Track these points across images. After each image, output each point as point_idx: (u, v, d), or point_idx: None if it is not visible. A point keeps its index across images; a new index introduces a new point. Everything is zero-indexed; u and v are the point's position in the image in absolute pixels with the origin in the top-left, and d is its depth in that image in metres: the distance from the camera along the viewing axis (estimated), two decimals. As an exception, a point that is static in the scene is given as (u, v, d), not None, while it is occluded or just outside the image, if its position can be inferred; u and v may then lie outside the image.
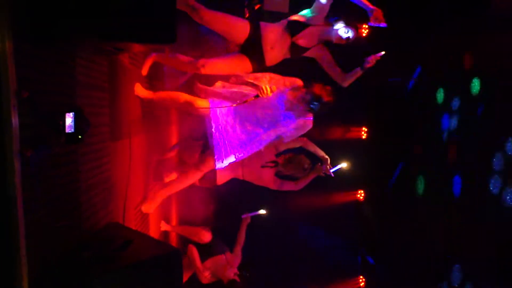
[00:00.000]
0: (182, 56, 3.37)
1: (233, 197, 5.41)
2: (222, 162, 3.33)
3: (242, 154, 3.35)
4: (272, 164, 3.97)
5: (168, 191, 3.55)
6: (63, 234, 1.84)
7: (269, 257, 5.76)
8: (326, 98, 3.19)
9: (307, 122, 3.33)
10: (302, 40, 3.26)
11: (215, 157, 3.30)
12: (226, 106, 3.27)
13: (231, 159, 3.33)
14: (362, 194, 6.29)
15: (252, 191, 4.89)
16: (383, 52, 3.18)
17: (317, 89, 3.19)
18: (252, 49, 3.25)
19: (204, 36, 3.95)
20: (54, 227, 1.72)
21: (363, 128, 6.25)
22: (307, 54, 3.36)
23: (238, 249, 4.44)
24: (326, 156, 3.87)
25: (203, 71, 3.31)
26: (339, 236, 6.04)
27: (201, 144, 3.80)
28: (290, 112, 3.28)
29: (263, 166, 3.89)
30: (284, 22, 3.26)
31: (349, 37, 3.18)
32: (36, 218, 1.60)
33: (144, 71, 3.50)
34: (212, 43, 3.98)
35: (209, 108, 3.26)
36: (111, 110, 2.72)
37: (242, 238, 4.44)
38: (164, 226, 4.32)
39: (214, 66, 3.31)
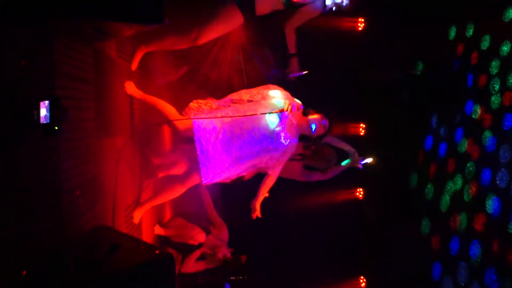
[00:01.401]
0: (172, 35, 3.23)
1: (231, 193, 5.25)
2: (209, 181, 3.22)
3: (228, 175, 3.24)
4: (299, 157, 3.97)
5: (152, 203, 3.44)
6: (40, 239, 1.64)
7: (267, 258, 5.61)
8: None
9: (293, 147, 3.24)
10: None
11: (201, 176, 3.18)
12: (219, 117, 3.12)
13: (218, 177, 3.22)
14: (362, 192, 6.14)
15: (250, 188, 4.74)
16: (305, 72, 3.21)
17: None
18: None
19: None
20: (28, 231, 1.52)
21: (361, 125, 6.11)
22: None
23: (214, 216, 4.32)
24: (353, 149, 3.88)
25: (199, 42, 3.21)
26: (338, 235, 5.88)
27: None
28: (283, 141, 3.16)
29: (290, 160, 3.76)
30: None
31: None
32: (6, 221, 1.40)
33: (134, 65, 3.32)
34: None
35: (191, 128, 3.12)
36: (97, 105, 2.52)
37: (209, 201, 4.35)
38: (158, 230, 4.12)
39: (208, 32, 3.19)
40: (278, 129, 3.08)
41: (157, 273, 1.64)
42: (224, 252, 4.20)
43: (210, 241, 4.23)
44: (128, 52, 3.25)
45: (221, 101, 3.25)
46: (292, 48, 3.46)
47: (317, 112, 3.25)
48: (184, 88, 4.92)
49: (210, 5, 3.26)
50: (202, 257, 4.31)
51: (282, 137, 3.10)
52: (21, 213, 1.59)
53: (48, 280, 1.46)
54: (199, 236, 4.12)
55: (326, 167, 4.00)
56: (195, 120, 3.18)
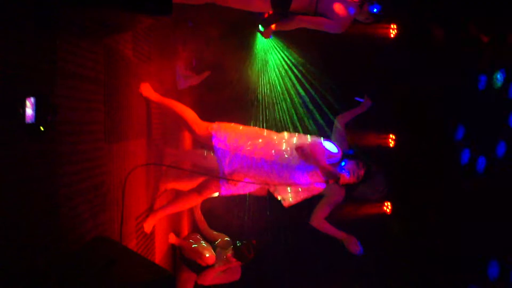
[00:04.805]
0: None
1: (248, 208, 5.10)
2: (227, 192, 3.15)
3: (243, 188, 3.18)
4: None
5: (165, 212, 3.30)
6: (31, 255, 1.48)
7: (288, 272, 5.40)
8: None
9: (318, 188, 3.12)
10: None
11: (220, 187, 3.11)
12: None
13: (234, 189, 3.14)
14: (389, 207, 5.82)
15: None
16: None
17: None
18: None
19: None
20: (18, 246, 1.36)
21: (391, 136, 5.82)
22: None
23: (210, 233, 4.32)
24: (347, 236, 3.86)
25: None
26: (364, 251, 5.58)
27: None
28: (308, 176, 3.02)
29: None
30: None
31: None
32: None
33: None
34: None
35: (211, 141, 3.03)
36: (107, 107, 2.37)
37: (202, 221, 4.38)
38: (172, 239, 3.95)
39: None
40: (300, 174, 2.98)
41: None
42: (231, 253, 4.05)
43: (219, 254, 4.05)
44: (145, 52, 3.11)
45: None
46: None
47: (354, 159, 3.05)
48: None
49: None
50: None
51: (303, 178, 2.99)
52: (10, 224, 1.43)
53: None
54: (209, 259, 3.92)
55: (373, 197, 3.69)
56: (215, 129, 3.04)
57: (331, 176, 2.88)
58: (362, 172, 2.98)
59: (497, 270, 3.71)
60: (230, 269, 4.13)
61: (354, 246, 3.73)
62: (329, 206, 3.90)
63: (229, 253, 4.05)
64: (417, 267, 5.11)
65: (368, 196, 3.72)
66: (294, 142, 3.02)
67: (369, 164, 3.09)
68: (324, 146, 2.97)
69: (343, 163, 2.99)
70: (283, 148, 2.99)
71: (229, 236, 4.30)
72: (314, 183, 3.03)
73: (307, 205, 4.38)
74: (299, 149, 2.95)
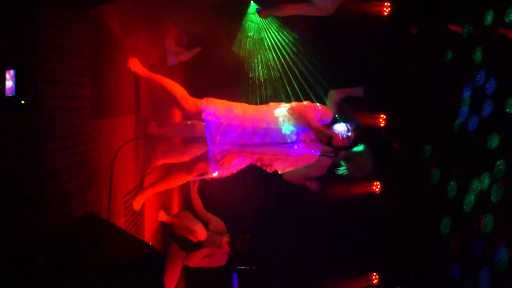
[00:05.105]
0: None
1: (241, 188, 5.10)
2: (215, 169, 3.10)
3: (234, 166, 3.14)
4: (332, 154, 3.75)
5: (154, 189, 3.28)
6: (15, 230, 1.45)
7: (277, 250, 5.45)
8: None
9: (313, 155, 3.10)
10: None
11: (210, 165, 3.05)
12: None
13: (224, 168, 3.10)
14: (379, 186, 5.88)
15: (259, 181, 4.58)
16: None
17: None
18: None
19: None
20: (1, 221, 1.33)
21: (382, 115, 5.82)
22: None
23: (205, 214, 4.27)
24: None
25: None
26: (352, 230, 5.66)
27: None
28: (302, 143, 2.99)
29: (323, 155, 3.57)
30: None
31: None
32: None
33: None
34: None
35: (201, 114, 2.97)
36: (93, 81, 2.31)
37: (198, 201, 4.32)
38: (162, 216, 3.94)
39: None
40: (293, 137, 2.94)
41: (143, 273, 1.44)
42: (226, 239, 4.04)
43: (211, 237, 4.05)
44: (132, 26, 3.02)
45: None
46: None
47: (345, 121, 3.04)
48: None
49: None
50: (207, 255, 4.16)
51: (296, 146, 2.97)
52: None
53: (17, 279, 1.27)
54: (200, 234, 3.92)
55: (357, 173, 3.70)
56: (204, 104, 3.00)
57: (323, 135, 2.88)
58: (352, 135, 2.99)
59: (481, 249, 3.79)
60: (216, 254, 4.14)
61: (316, 186, 3.99)
62: (307, 174, 3.98)
63: (225, 239, 4.05)
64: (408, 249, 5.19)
65: (355, 174, 3.74)
66: (289, 106, 3.02)
67: (360, 127, 3.10)
68: (316, 108, 2.97)
69: (334, 125, 3.01)
70: (277, 113, 2.98)
71: (224, 222, 4.29)
72: (308, 151, 3.02)
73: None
74: (291, 109, 2.95)
